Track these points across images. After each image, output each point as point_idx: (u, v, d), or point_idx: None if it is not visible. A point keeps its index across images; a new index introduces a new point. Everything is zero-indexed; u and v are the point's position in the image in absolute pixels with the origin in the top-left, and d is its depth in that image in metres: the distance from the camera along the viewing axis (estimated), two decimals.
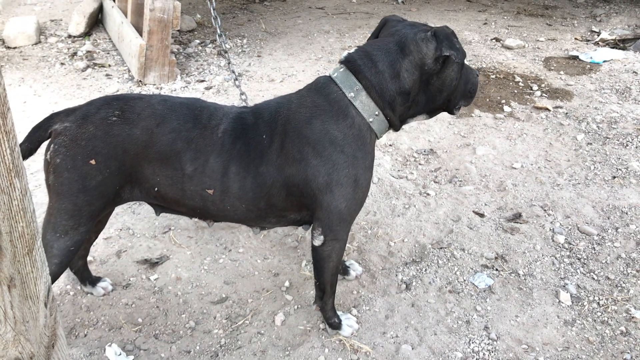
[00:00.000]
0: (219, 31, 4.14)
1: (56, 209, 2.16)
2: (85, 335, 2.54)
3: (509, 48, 5.83)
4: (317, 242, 2.29)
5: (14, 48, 5.96)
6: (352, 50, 2.28)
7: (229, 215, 2.32)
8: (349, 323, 2.56)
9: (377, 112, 2.17)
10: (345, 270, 2.86)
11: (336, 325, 2.54)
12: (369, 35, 2.46)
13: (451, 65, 2.15)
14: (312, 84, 2.31)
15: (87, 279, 2.73)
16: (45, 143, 2.22)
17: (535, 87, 4.91)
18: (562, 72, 5.25)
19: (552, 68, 5.35)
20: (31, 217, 1.49)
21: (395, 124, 2.28)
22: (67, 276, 2.81)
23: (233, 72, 4.02)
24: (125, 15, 5.72)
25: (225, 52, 4.12)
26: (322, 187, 2.16)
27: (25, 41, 6.03)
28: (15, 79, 5.18)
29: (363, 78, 2.15)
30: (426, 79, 2.17)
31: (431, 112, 2.36)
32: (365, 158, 2.19)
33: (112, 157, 2.13)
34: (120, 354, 2.42)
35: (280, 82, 5.03)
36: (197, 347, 2.51)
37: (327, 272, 2.39)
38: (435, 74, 2.16)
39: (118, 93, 4.84)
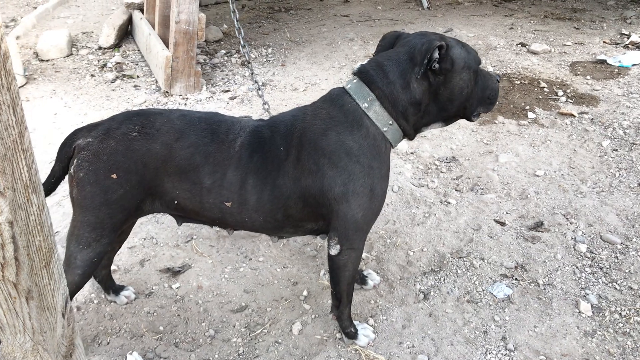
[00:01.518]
0: (242, 42, 4.22)
1: (79, 221, 2.24)
2: (108, 343, 2.61)
3: (534, 53, 5.76)
4: (334, 252, 2.32)
5: (47, 61, 6.15)
6: (364, 62, 2.30)
7: (247, 225, 2.37)
8: (365, 333, 2.58)
9: (390, 122, 2.19)
10: (363, 280, 2.88)
11: (352, 335, 2.56)
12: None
13: (459, 74, 2.17)
14: (326, 95, 2.34)
15: (111, 287, 2.81)
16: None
17: (560, 93, 4.84)
18: (588, 77, 5.17)
19: (579, 73, 5.27)
20: (48, 231, 1.55)
21: (409, 133, 2.30)
22: (91, 285, 2.89)
23: (256, 82, 4.09)
24: (153, 27, 5.86)
25: (249, 62, 4.19)
26: (339, 197, 2.19)
27: (57, 54, 6.22)
28: (47, 91, 5.35)
29: (376, 88, 2.18)
30: (435, 88, 2.18)
31: (447, 120, 2.36)
32: (381, 167, 2.22)
33: (132, 171, 2.19)
34: None
35: (303, 91, 5.08)
36: (216, 356, 2.56)
37: (344, 281, 2.41)
38: (442, 83, 2.17)
39: (144, 104, 4.95)
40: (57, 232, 3.26)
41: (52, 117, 4.80)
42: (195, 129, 2.26)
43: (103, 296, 2.85)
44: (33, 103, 5.10)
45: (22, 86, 5.45)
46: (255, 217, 2.30)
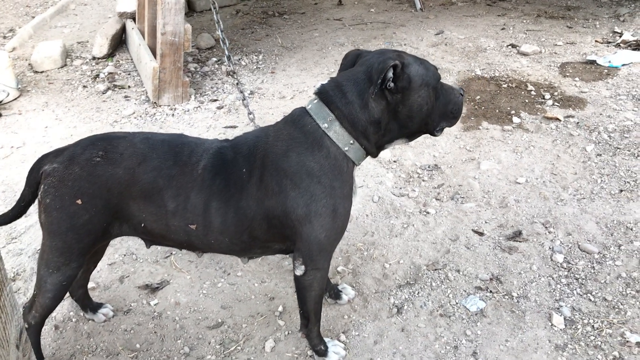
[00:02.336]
0: (227, 53, 4.24)
1: (48, 246, 2.28)
2: None
3: (524, 54, 5.73)
4: (299, 272, 2.33)
5: (41, 72, 6.21)
6: (325, 81, 2.31)
7: (214, 247, 2.39)
8: (335, 350, 2.59)
9: (352, 141, 2.20)
10: (337, 295, 2.90)
11: (322, 353, 2.57)
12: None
13: (417, 92, 2.16)
14: (288, 116, 2.35)
15: (88, 306, 2.85)
16: None
17: (547, 96, 4.82)
18: (577, 79, 5.13)
19: (568, 74, 5.24)
20: None
21: (371, 152, 2.30)
22: (70, 303, 2.93)
23: (242, 92, 4.10)
24: (143, 36, 5.89)
25: (234, 72, 4.21)
26: (301, 219, 2.20)
27: (51, 65, 6.28)
28: (39, 104, 5.40)
29: (335, 109, 2.18)
30: (394, 107, 2.18)
31: (410, 136, 2.36)
32: (343, 187, 2.23)
33: (97, 196, 2.22)
34: None
35: (290, 99, 5.09)
36: None
37: (310, 300, 2.43)
38: (400, 101, 2.17)
39: (132, 116, 4.99)
40: (38, 250, 3.30)
41: (43, 130, 4.86)
42: (158, 152, 2.28)
43: (82, 314, 2.89)
44: (25, 116, 5.16)
45: (15, 99, 5.51)
46: (221, 239, 2.32)
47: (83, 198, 2.21)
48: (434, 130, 2.35)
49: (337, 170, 2.22)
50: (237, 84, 4.17)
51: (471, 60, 5.71)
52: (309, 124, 2.22)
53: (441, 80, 2.29)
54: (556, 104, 4.71)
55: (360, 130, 2.20)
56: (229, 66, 4.12)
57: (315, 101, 2.25)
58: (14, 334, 1.62)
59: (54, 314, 2.86)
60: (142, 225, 2.32)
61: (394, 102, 2.17)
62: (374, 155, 2.34)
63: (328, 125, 2.18)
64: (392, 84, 2.13)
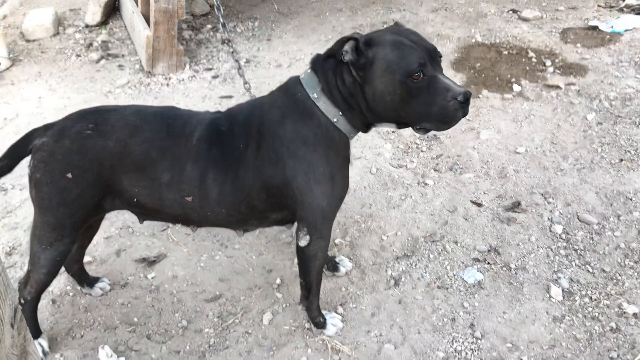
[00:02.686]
0: (222, 21, 4.14)
1: (40, 222, 2.25)
2: (82, 336, 2.65)
3: (525, 20, 5.62)
4: (304, 243, 2.32)
5: (33, 41, 6.07)
6: (320, 52, 2.26)
7: (211, 220, 2.36)
8: (333, 322, 2.60)
9: (340, 113, 2.17)
10: (335, 267, 2.89)
11: (321, 325, 2.58)
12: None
13: (379, 77, 2.04)
14: (283, 84, 2.32)
15: (85, 280, 2.84)
16: (28, 158, 2.29)
17: (548, 63, 4.74)
18: (579, 45, 5.04)
19: (569, 40, 5.14)
20: None
21: (359, 127, 2.24)
22: (67, 277, 2.91)
23: (237, 61, 4.02)
24: (137, 4, 5.76)
25: (229, 41, 4.12)
26: (302, 187, 2.19)
27: (43, 33, 6.14)
28: (32, 74, 5.31)
29: (322, 79, 2.15)
30: (361, 85, 2.09)
31: (398, 124, 2.22)
32: (338, 156, 2.21)
33: (88, 170, 2.19)
34: (111, 356, 2.51)
35: (287, 67, 5.01)
36: (187, 347, 2.59)
37: (314, 271, 2.43)
38: (364, 81, 2.07)
39: (127, 85, 4.91)
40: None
41: (36, 101, 4.78)
42: (150, 124, 2.24)
43: (79, 288, 2.88)
44: (18, 86, 5.07)
45: (7, 69, 5.42)
46: (218, 211, 2.29)
47: (74, 172, 2.17)
48: (413, 127, 2.16)
49: (330, 140, 2.19)
50: (233, 52, 4.08)
51: (471, 26, 5.60)
52: (300, 93, 2.19)
53: (439, 76, 2.04)
54: (557, 71, 4.64)
55: (341, 104, 2.16)
56: (224, 34, 4.02)
57: (309, 71, 2.22)
58: (8, 312, 1.60)
59: (51, 288, 2.86)
60: (135, 199, 2.29)
61: (359, 80, 2.08)
62: (364, 131, 2.29)
63: (317, 96, 2.15)
64: (350, 57, 2.04)
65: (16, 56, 5.66)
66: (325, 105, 2.15)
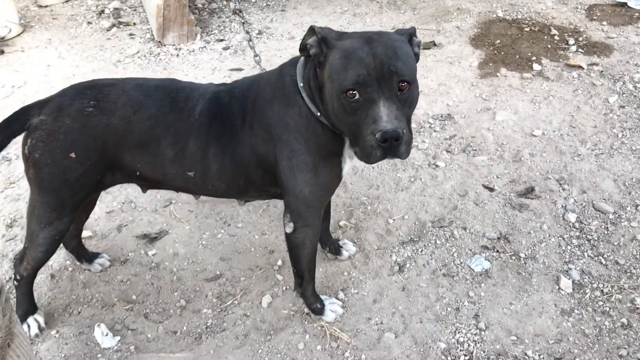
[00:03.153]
0: None
1: (39, 202, 2.20)
2: (79, 313, 2.62)
3: None
4: (289, 230, 2.26)
5: (46, 7, 5.99)
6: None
7: (211, 192, 2.34)
8: (332, 308, 2.53)
9: (316, 105, 2.03)
10: (337, 251, 2.81)
11: (318, 311, 2.51)
12: None
13: (326, 80, 1.89)
14: (286, 62, 2.22)
15: (84, 256, 2.80)
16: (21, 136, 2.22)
17: (571, 41, 4.55)
18: (605, 23, 4.83)
19: (595, 18, 4.93)
20: None
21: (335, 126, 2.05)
22: (67, 252, 2.88)
23: (248, 32, 3.91)
24: None
25: (240, 12, 4.00)
26: (286, 171, 2.12)
27: None
28: (42, 40, 5.24)
29: (306, 69, 2.04)
30: (322, 84, 1.96)
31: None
32: (320, 149, 2.08)
33: (92, 149, 2.13)
34: (107, 334, 2.48)
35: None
36: (184, 328, 2.55)
37: (303, 259, 2.36)
38: (322, 78, 1.93)
39: (137, 55, 4.82)
40: None
41: (45, 69, 4.71)
42: (153, 99, 2.17)
43: (79, 263, 2.84)
44: (28, 53, 5.01)
45: (18, 35, 5.35)
46: (218, 185, 2.26)
47: (77, 151, 2.11)
48: (351, 144, 1.98)
49: (311, 130, 2.07)
50: (244, 24, 3.97)
51: (493, 0, 5.40)
52: (289, 77, 2.09)
53: (379, 103, 1.77)
54: (580, 50, 4.45)
55: (316, 99, 2.01)
56: (236, 4, 3.90)
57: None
58: None
59: (50, 262, 2.82)
60: (138, 173, 2.25)
61: (320, 76, 1.94)
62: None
63: (303, 84, 2.04)
64: (314, 51, 1.91)
65: (27, 22, 5.59)
66: (307, 97, 2.03)
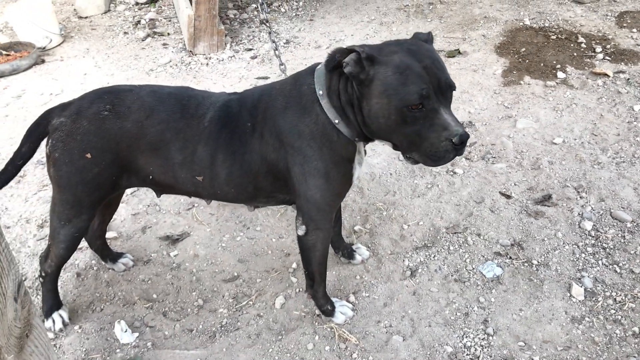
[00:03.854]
0: (260, 0, 4.13)
1: (58, 199, 2.33)
2: (102, 310, 2.74)
3: (579, 3, 5.35)
4: (301, 232, 2.32)
5: (85, 18, 6.27)
6: (343, 46, 2.20)
7: (220, 197, 2.41)
8: (342, 310, 2.59)
9: (341, 115, 2.10)
10: (350, 255, 2.87)
11: (329, 313, 2.57)
12: None
13: (375, 97, 1.94)
14: (300, 71, 2.29)
15: (108, 256, 2.93)
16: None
17: (598, 49, 4.51)
18: (635, 30, 4.76)
19: (625, 25, 4.87)
20: None
21: (357, 136, 2.13)
22: (92, 252, 3.01)
23: (274, 41, 4.01)
24: None
25: (267, 21, 4.11)
26: (299, 176, 2.19)
27: (94, 10, 6.32)
28: (81, 50, 5.48)
29: (327, 79, 2.09)
30: (358, 99, 2.00)
31: (394, 145, 2.13)
32: (333, 155, 2.15)
33: (106, 150, 2.24)
34: (126, 331, 2.59)
35: (326, 49, 4.96)
36: (200, 326, 2.64)
37: (315, 261, 2.42)
38: (362, 96, 1.98)
39: (169, 64, 4.99)
40: None
41: (82, 77, 4.93)
42: (165, 105, 2.27)
43: (103, 263, 2.98)
44: (67, 62, 5.25)
45: (59, 45, 5.60)
46: (227, 190, 2.34)
47: (92, 152, 2.23)
48: (403, 154, 2.09)
49: (326, 138, 2.13)
50: (270, 33, 4.08)
51: (521, 8, 5.39)
52: (307, 86, 2.14)
53: (440, 111, 1.90)
54: (607, 58, 4.40)
55: (340, 109, 2.08)
56: (262, 14, 4.02)
57: (324, 64, 2.15)
58: (11, 287, 1.67)
59: (76, 261, 2.97)
60: (151, 177, 2.35)
61: (357, 93, 1.99)
62: (363, 140, 2.17)
63: (322, 93, 2.09)
64: (350, 70, 1.93)
65: (68, 33, 5.86)
66: (327, 105, 2.09)
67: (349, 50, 1.94)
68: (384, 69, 1.91)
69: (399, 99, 1.88)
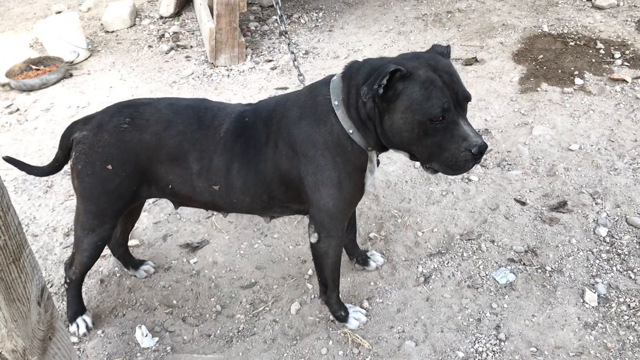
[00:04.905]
0: (279, 13, 4.23)
1: (82, 209, 2.44)
2: (124, 315, 2.84)
3: (599, 8, 5.33)
4: (313, 240, 2.38)
5: (112, 32, 6.45)
6: (360, 59, 2.25)
7: (237, 207, 2.48)
8: (356, 316, 2.64)
9: (355, 126, 2.16)
10: (365, 261, 2.92)
11: (342, 318, 2.62)
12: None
13: (400, 112, 1.99)
14: (315, 82, 2.35)
15: (130, 263, 3.03)
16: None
17: (617, 55, 4.49)
18: None
19: None
20: (16, 230, 1.70)
21: (372, 146, 2.20)
22: (116, 259, 3.12)
23: (292, 52, 4.10)
24: None
25: (286, 33, 4.21)
26: (312, 185, 2.24)
27: (120, 25, 6.50)
28: (107, 64, 5.64)
29: (345, 91, 2.14)
30: (380, 113, 2.06)
31: (411, 155, 2.20)
32: (347, 164, 2.20)
33: (126, 162, 2.34)
34: (146, 335, 2.68)
35: (345, 59, 5.03)
36: (218, 332, 2.72)
37: (327, 268, 2.47)
38: (385, 110, 2.04)
39: (191, 76, 5.11)
40: None
41: (107, 90, 5.08)
42: (182, 117, 2.36)
43: (125, 270, 3.08)
44: (93, 76, 5.41)
45: (86, 59, 5.78)
46: (242, 199, 2.40)
47: (113, 164, 2.33)
48: (423, 164, 2.14)
49: (340, 147, 2.19)
50: (289, 44, 4.17)
51: (540, 15, 5.39)
52: (322, 96, 2.20)
53: (460, 122, 1.99)
54: (626, 63, 4.38)
55: (356, 121, 2.14)
56: (281, 26, 4.11)
57: (340, 75, 2.22)
58: (34, 292, 1.76)
59: (100, 268, 3.08)
60: (170, 187, 2.43)
61: (380, 108, 2.05)
62: (378, 151, 2.25)
63: (338, 104, 2.15)
64: (380, 90, 1.98)
65: (95, 47, 6.03)
66: (342, 115, 2.14)
67: (391, 72, 1.94)
68: (411, 85, 1.97)
69: (422, 113, 1.96)
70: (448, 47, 2.20)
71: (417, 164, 3.60)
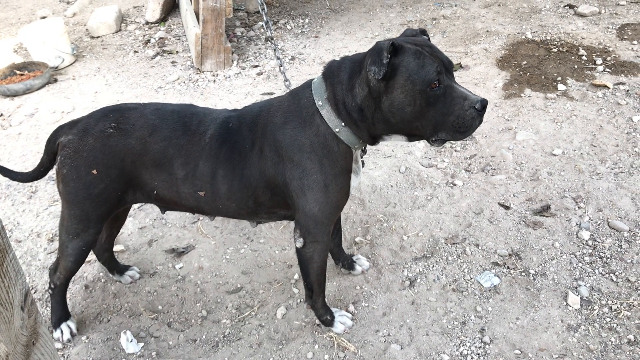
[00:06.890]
0: (265, 18, 4.24)
1: (67, 214, 2.42)
2: (109, 321, 2.82)
3: (581, 15, 5.41)
4: (299, 245, 2.39)
5: (97, 37, 6.42)
6: (337, 58, 2.28)
7: (223, 212, 2.47)
8: (342, 320, 2.64)
9: (342, 124, 2.16)
10: (350, 266, 2.93)
11: (328, 322, 2.63)
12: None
13: (400, 87, 2.00)
14: (297, 87, 2.36)
15: (115, 268, 3.01)
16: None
17: (599, 61, 4.55)
18: (635, 42, 4.81)
19: (626, 37, 4.91)
20: None
21: (365, 139, 2.22)
22: (100, 265, 3.10)
23: (278, 58, 4.12)
24: (191, 1, 5.97)
25: (272, 39, 4.22)
26: (297, 191, 2.25)
27: (106, 30, 6.48)
28: (92, 69, 5.62)
29: (329, 88, 2.15)
30: (376, 97, 2.07)
31: (407, 136, 2.21)
32: (333, 166, 2.21)
33: (111, 166, 2.33)
34: (132, 341, 2.67)
35: None
36: (203, 337, 2.71)
37: (313, 272, 2.48)
38: (383, 91, 2.04)
39: (177, 82, 5.10)
40: None
41: (93, 95, 5.06)
42: (167, 122, 2.36)
43: (110, 275, 3.06)
44: (78, 81, 5.39)
45: (71, 64, 5.75)
46: (228, 205, 2.40)
47: (98, 168, 2.32)
48: (429, 139, 2.12)
49: (327, 149, 2.20)
50: (275, 50, 4.18)
51: (523, 22, 5.46)
52: (306, 99, 2.21)
53: (455, 85, 2.02)
54: (607, 70, 4.45)
55: (346, 115, 2.15)
56: (267, 32, 4.13)
57: (321, 76, 2.23)
58: (18, 296, 1.74)
59: (85, 274, 3.06)
60: (155, 192, 2.42)
61: (376, 90, 2.05)
62: (370, 143, 2.26)
63: (322, 104, 2.16)
64: (385, 68, 1.97)
65: (80, 52, 6.01)
66: (328, 114, 2.15)
67: (385, 48, 1.97)
68: (406, 57, 1.99)
69: (421, 81, 1.97)
70: (419, 29, 2.25)
71: (403, 167, 3.63)
